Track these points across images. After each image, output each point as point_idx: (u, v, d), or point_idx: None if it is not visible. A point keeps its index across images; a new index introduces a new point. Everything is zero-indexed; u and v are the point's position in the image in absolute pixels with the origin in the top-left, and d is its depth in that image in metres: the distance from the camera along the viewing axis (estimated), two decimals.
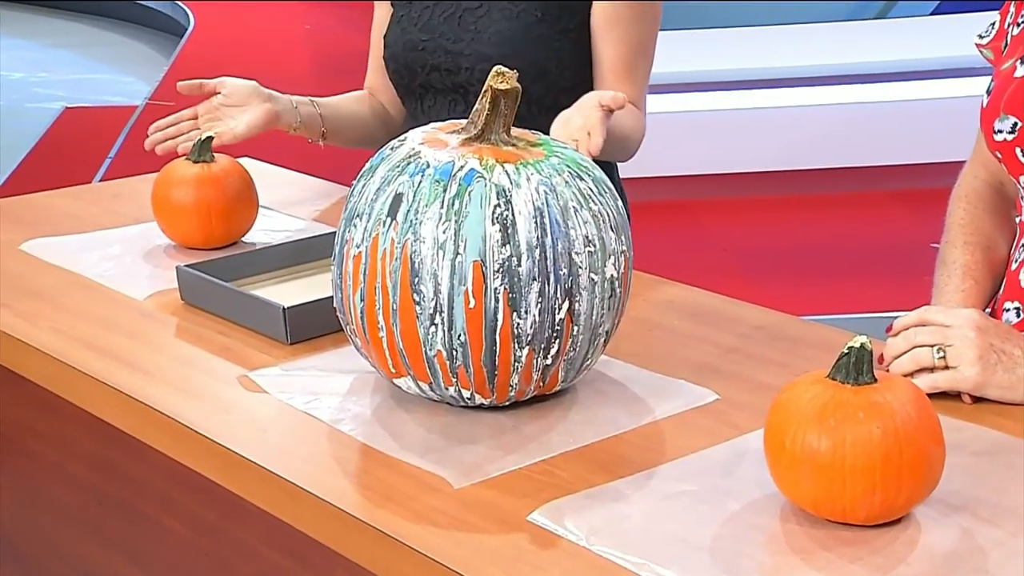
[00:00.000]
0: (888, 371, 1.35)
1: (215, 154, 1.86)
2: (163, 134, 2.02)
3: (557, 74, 1.99)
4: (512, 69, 1.29)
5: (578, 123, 1.71)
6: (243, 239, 1.88)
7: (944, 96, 4.79)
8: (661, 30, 2.05)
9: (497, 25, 2.00)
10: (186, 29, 7.65)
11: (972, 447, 1.24)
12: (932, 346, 1.33)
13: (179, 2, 8.01)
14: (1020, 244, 1.52)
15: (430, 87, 2.05)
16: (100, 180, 4.79)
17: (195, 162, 1.84)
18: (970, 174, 1.61)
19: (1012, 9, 1.51)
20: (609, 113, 1.71)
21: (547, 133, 1.96)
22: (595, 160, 1.49)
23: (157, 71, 6.78)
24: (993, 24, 1.55)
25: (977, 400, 1.33)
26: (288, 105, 2.06)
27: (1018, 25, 1.51)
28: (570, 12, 2.00)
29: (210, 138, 1.85)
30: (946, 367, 1.33)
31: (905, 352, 1.35)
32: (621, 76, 1.99)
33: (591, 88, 2.01)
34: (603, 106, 1.70)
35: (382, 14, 2.16)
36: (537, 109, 1.95)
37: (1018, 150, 1.45)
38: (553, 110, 1.87)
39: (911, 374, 1.34)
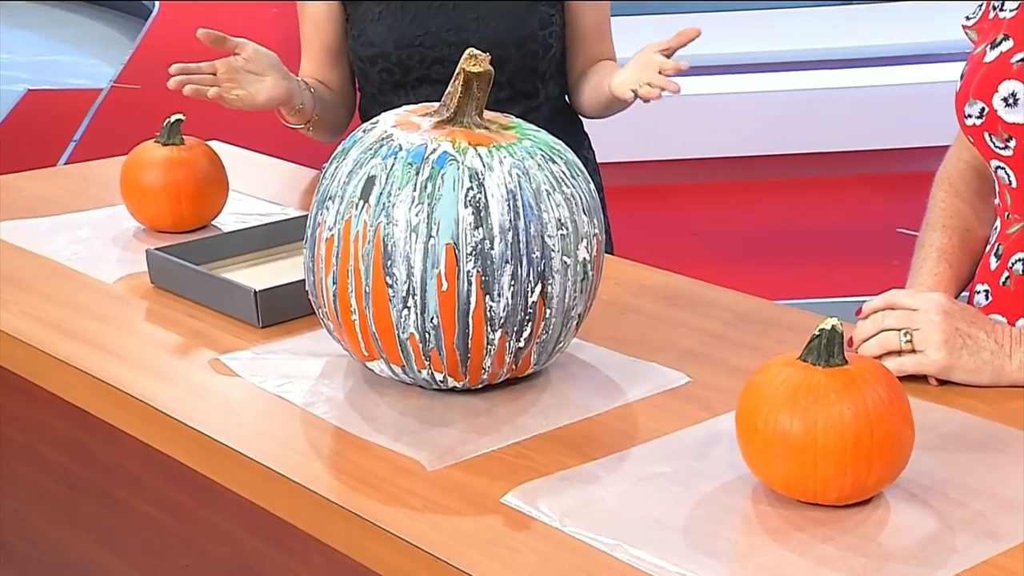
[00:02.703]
0: (858, 353, 1.36)
1: (184, 136, 1.85)
2: (188, 77, 1.89)
3: (557, 47, 2.06)
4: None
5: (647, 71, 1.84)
6: (213, 222, 1.88)
7: (914, 82, 4.82)
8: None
9: (500, 8, 2.01)
10: (151, 11, 7.59)
11: (940, 428, 1.26)
12: (899, 330, 1.35)
13: None
14: (995, 227, 1.54)
15: (427, 79, 2.04)
16: (64, 164, 4.76)
17: (164, 144, 1.84)
18: (954, 157, 1.62)
19: None
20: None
21: (552, 105, 2.07)
22: (571, 145, 1.51)
23: (122, 53, 6.72)
24: (980, 6, 1.56)
25: (944, 382, 1.35)
26: (298, 85, 2.00)
27: (993, 9, 1.53)
28: None
29: (179, 120, 1.85)
30: (913, 351, 1.34)
31: (873, 335, 1.37)
32: (603, 36, 2.09)
33: (570, 55, 2.09)
34: (667, 49, 1.84)
35: (322, 10, 2.08)
36: (541, 84, 2.06)
37: (986, 134, 1.47)
38: (553, 78, 2.06)
39: (879, 357, 1.35)
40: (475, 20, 2.01)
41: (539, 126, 1.42)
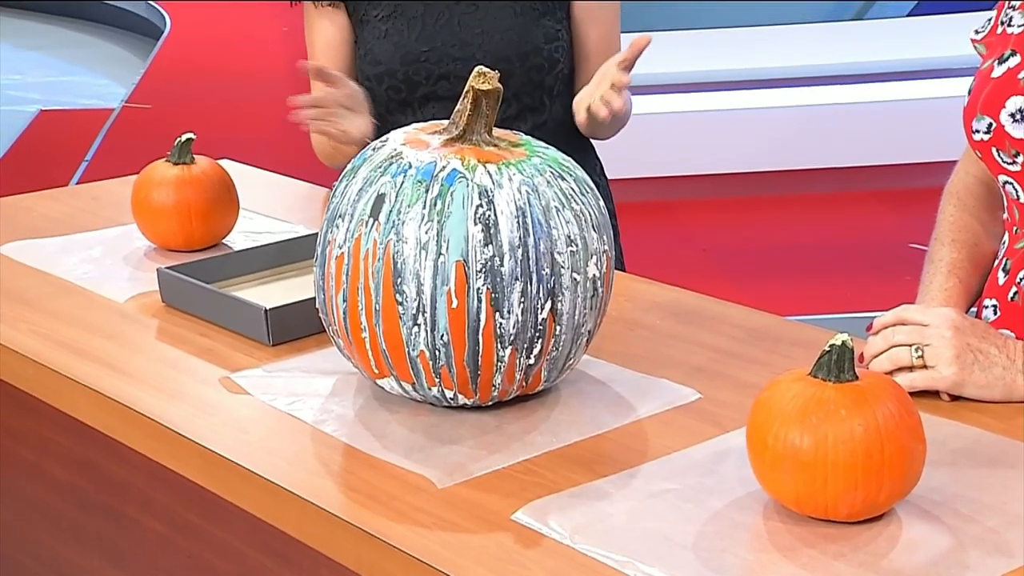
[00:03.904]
0: (869, 369, 1.36)
1: (195, 156, 1.86)
2: (309, 111, 1.87)
3: (564, 63, 2.06)
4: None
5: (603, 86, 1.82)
6: (224, 241, 1.89)
7: (922, 97, 4.82)
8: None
9: (505, 23, 2.02)
10: (162, 31, 7.63)
11: (952, 444, 1.26)
12: (910, 345, 1.35)
13: (154, 3, 7.99)
14: (1003, 242, 1.54)
15: (434, 96, 2.04)
16: (76, 184, 4.78)
17: (175, 164, 1.85)
18: (962, 171, 1.62)
19: (1006, 7, 1.53)
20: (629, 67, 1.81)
21: (559, 123, 2.05)
22: (579, 161, 1.50)
23: (133, 74, 6.75)
24: (989, 20, 1.56)
25: (956, 398, 1.35)
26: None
27: (1001, 24, 1.53)
28: (559, 1, 2.05)
29: (190, 140, 1.86)
30: (924, 366, 1.34)
31: (884, 351, 1.37)
32: (607, 54, 2.05)
33: (576, 75, 2.09)
34: (624, 62, 1.81)
35: (333, 30, 2.08)
36: (549, 100, 2.06)
37: (994, 150, 1.47)
38: (561, 96, 2.05)
39: (890, 373, 1.35)
40: (480, 35, 2.02)
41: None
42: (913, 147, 4.68)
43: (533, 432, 1.31)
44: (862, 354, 1.38)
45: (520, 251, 1.27)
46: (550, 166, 1.34)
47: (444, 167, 1.29)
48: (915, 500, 1.15)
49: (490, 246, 1.26)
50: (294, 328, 1.54)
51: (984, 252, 1.57)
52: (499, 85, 1.34)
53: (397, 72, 2.04)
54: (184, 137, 1.85)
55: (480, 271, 1.26)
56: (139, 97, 6.23)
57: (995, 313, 1.51)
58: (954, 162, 1.66)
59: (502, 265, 1.27)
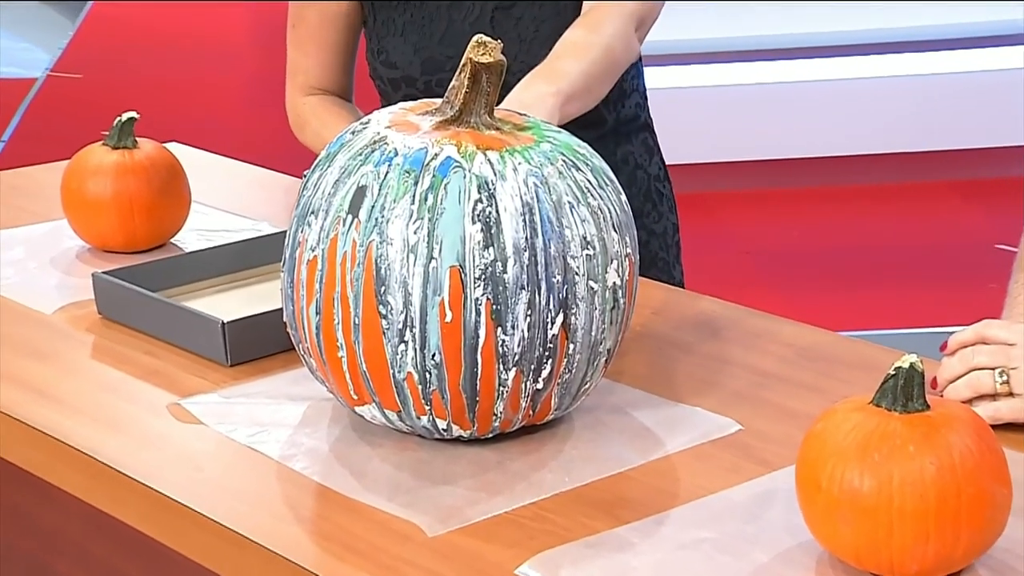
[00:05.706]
0: (943, 397, 1.38)
1: (137, 138, 1.88)
2: None
3: None
4: None
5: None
6: (172, 241, 1.90)
7: (1010, 67, 4.81)
8: None
9: (546, 25, 1.96)
10: None
11: None
12: (993, 369, 1.36)
13: None
14: None
15: None
16: None
17: (114, 148, 1.86)
18: None
19: None
20: None
21: (621, 129, 2.06)
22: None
23: (60, 37, 6.77)
24: None
25: None
26: None
27: None
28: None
29: (132, 119, 1.87)
30: (1010, 394, 1.35)
31: (962, 375, 1.38)
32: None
33: None
34: None
35: (334, 6, 2.06)
36: (605, 109, 2.03)
37: None
38: (618, 102, 2.04)
39: (969, 401, 1.36)
40: (516, 43, 1.94)
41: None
42: (999, 128, 4.68)
43: (542, 470, 1.33)
44: (935, 378, 1.39)
45: (526, 255, 1.28)
46: (562, 154, 1.35)
47: (437, 155, 1.31)
48: (998, 554, 1.16)
49: (491, 249, 1.28)
50: (257, 345, 1.55)
51: None
52: (502, 57, 1.35)
53: (416, 81, 2.02)
54: (125, 116, 1.87)
55: (479, 278, 1.28)
56: (67, 65, 6.25)
57: None
58: None
59: (505, 271, 1.28)
